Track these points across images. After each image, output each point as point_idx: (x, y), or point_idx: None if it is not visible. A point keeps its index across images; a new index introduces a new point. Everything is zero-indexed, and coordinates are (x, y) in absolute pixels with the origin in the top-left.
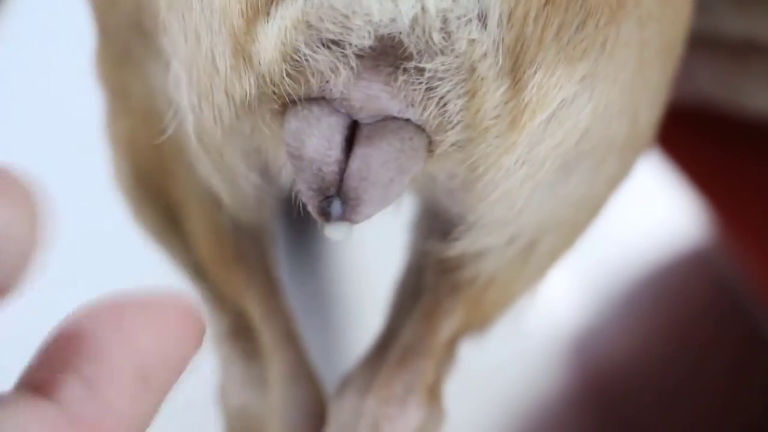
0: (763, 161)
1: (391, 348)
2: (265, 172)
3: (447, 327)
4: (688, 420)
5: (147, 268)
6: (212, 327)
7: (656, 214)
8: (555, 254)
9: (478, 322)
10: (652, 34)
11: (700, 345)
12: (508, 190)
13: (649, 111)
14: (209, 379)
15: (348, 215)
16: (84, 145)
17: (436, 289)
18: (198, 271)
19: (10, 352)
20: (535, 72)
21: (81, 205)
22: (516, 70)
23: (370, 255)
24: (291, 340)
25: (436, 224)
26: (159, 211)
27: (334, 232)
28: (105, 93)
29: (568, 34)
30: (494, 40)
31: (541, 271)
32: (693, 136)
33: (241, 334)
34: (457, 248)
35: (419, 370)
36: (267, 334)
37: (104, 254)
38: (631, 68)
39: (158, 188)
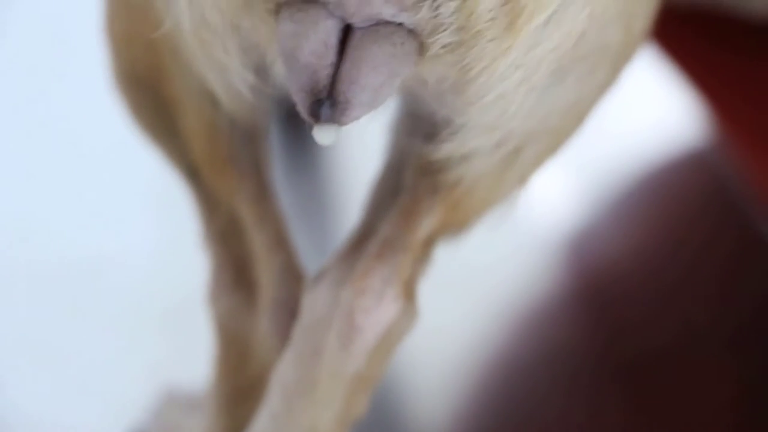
0: (764, 60)
1: (367, 243)
2: (261, 70)
3: (425, 225)
4: (681, 320)
5: (142, 168)
6: (204, 229)
7: (654, 114)
8: (539, 161)
9: (456, 224)
10: None
11: (695, 245)
12: (501, 94)
13: (642, 19)
14: (200, 281)
15: (337, 117)
16: (82, 42)
17: (415, 189)
18: (191, 171)
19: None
20: None
21: (79, 105)
22: None
23: (363, 158)
24: (282, 243)
25: (420, 125)
26: (154, 110)
27: (322, 134)
28: None
29: None
30: None
31: (523, 177)
32: (693, 35)
33: (232, 237)
34: (442, 151)
35: (397, 264)
36: (258, 237)
37: (101, 153)
38: None
39: (153, 87)
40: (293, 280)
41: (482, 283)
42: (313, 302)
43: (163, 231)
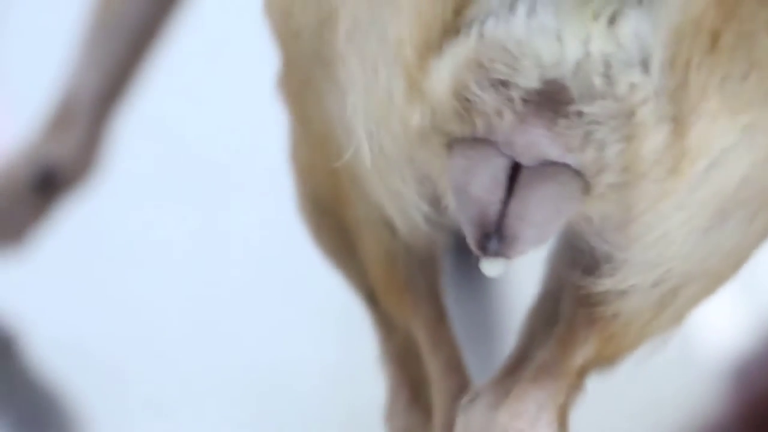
0: None
1: (522, 368)
2: (435, 200)
3: (581, 354)
4: None
5: (327, 291)
6: (381, 349)
7: None
8: (695, 301)
9: (610, 356)
10: None
11: None
12: (662, 234)
13: None
14: (378, 398)
15: (504, 251)
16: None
17: (573, 319)
18: (370, 295)
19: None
20: (698, 120)
21: (268, 229)
22: (678, 116)
23: (530, 285)
24: (456, 367)
25: (580, 258)
26: (335, 235)
27: (489, 266)
28: (288, 119)
29: (732, 84)
30: (656, 86)
31: (679, 316)
32: None
33: (409, 358)
34: (602, 285)
35: (553, 390)
36: (433, 361)
37: (289, 277)
38: None
39: (335, 213)
40: None
41: (647, 409)
42: (467, 424)
43: (342, 350)
